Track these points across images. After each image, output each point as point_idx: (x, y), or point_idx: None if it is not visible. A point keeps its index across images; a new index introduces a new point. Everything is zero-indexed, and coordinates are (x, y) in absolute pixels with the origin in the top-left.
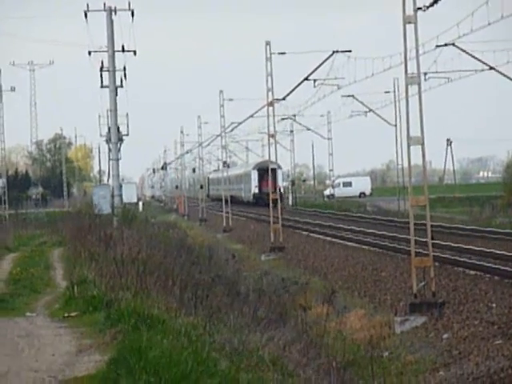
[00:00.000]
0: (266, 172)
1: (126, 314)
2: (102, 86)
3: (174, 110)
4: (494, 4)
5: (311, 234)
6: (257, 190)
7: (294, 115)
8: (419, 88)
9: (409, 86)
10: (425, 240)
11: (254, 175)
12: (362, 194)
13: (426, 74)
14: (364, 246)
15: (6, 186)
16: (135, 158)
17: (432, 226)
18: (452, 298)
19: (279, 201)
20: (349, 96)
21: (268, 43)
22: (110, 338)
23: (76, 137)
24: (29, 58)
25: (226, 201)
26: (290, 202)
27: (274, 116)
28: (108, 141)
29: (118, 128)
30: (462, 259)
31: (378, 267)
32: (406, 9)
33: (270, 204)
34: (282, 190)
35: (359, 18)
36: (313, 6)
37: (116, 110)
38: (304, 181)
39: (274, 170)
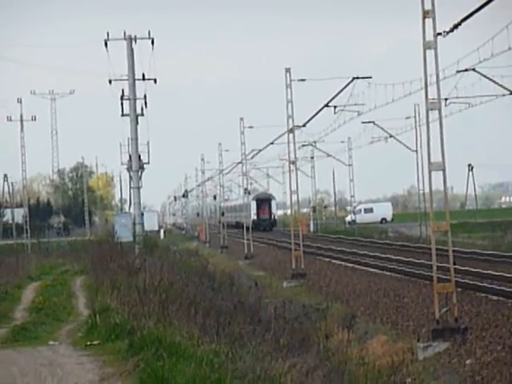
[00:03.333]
0: (262, 202)
1: (149, 342)
2: (122, 115)
3: (194, 138)
4: None
5: (333, 261)
6: (255, 217)
7: (315, 142)
8: (440, 113)
9: (429, 112)
10: (447, 265)
11: (253, 205)
12: (384, 220)
13: (446, 99)
14: (386, 272)
15: (28, 215)
16: (156, 185)
17: (454, 251)
18: (475, 323)
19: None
20: (369, 122)
21: (288, 70)
22: (132, 366)
23: (97, 165)
24: (49, 87)
25: (243, 227)
26: (312, 229)
27: (294, 143)
28: (129, 169)
29: (139, 156)
30: (484, 284)
31: (400, 293)
32: (426, 34)
33: (292, 231)
34: (275, 217)
35: (379, 43)
36: (333, 33)
37: (137, 138)
38: (325, 207)
39: (268, 200)
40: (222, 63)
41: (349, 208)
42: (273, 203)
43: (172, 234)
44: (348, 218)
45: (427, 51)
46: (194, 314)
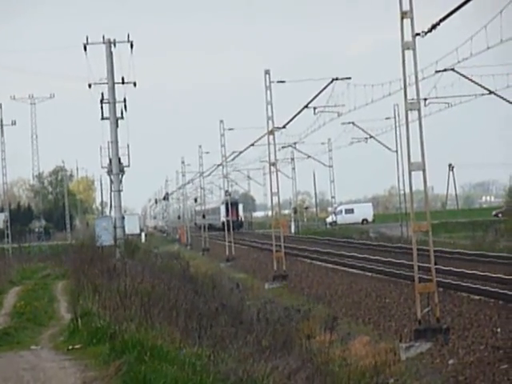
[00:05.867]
0: (230, 205)
1: (131, 346)
2: (102, 118)
3: (174, 140)
4: (493, 28)
5: (314, 262)
6: (224, 219)
7: (295, 143)
8: (419, 113)
9: (409, 112)
10: (428, 265)
11: (222, 208)
12: (365, 221)
13: (425, 99)
14: (367, 273)
15: (9, 220)
16: (137, 188)
17: (435, 251)
18: (457, 323)
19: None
20: (349, 123)
21: (267, 72)
22: (114, 370)
23: (77, 169)
24: (29, 92)
25: (224, 229)
26: (293, 230)
27: (274, 144)
28: (109, 172)
29: (120, 159)
30: (465, 284)
31: (381, 294)
32: (404, 35)
33: (273, 233)
34: (242, 219)
35: (358, 44)
36: (312, 34)
37: (117, 141)
38: (306, 208)
39: (235, 204)
40: (201, 65)
41: (330, 209)
42: (240, 206)
43: (153, 237)
44: (329, 219)
45: (406, 51)
46: (176, 316)
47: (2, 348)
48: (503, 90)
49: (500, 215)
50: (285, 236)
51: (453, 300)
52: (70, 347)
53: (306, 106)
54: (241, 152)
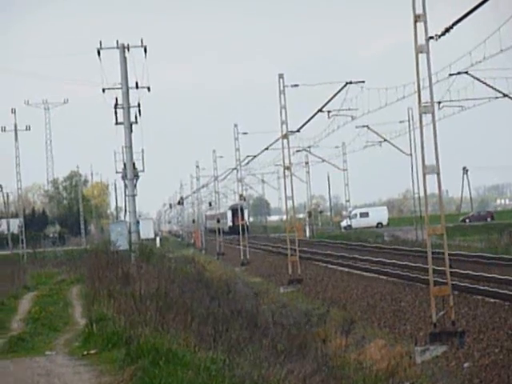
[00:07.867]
0: (236, 211)
1: (146, 351)
2: (116, 123)
3: (189, 145)
4: (506, 31)
5: (329, 266)
6: (231, 224)
7: (309, 147)
8: (433, 117)
9: (423, 115)
10: (443, 269)
11: (229, 213)
12: (380, 225)
13: (439, 102)
14: (382, 277)
15: (24, 225)
16: (152, 193)
17: (450, 254)
18: (472, 326)
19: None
20: (363, 126)
21: (281, 76)
22: (129, 375)
23: (92, 174)
24: (43, 97)
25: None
26: (308, 234)
27: (288, 148)
28: (124, 177)
29: (134, 164)
30: (480, 287)
31: (396, 297)
32: (417, 38)
33: (288, 237)
34: (248, 223)
35: (371, 48)
36: (326, 37)
37: (131, 146)
38: (321, 212)
39: (241, 209)
40: (215, 70)
41: (344, 213)
42: (245, 212)
43: (168, 241)
44: (343, 223)
45: (419, 55)
46: (191, 321)
47: (17, 354)
48: None
49: (467, 220)
50: (299, 240)
51: (468, 303)
52: (85, 352)
53: (320, 110)
54: (255, 156)
